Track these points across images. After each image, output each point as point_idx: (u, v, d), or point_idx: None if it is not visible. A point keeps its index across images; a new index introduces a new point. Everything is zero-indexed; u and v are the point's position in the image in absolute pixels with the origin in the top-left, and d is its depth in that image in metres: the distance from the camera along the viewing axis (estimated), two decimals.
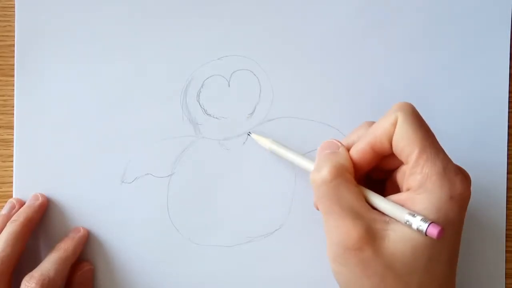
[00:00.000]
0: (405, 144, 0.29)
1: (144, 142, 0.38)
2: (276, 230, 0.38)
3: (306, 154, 0.36)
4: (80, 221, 0.38)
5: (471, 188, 0.30)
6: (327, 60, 0.38)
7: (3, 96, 0.38)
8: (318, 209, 0.32)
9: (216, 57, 0.38)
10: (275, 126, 0.38)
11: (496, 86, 0.38)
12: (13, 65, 0.38)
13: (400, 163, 0.31)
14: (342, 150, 0.31)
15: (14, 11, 0.38)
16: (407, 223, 0.28)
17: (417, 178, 0.29)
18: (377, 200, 0.30)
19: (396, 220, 0.28)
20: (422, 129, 0.29)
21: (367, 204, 0.30)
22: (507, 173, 0.38)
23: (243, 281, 0.38)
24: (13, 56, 0.38)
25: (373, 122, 0.32)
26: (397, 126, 0.29)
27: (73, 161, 0.38)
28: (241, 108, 0.38)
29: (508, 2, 0.38)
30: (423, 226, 0.27)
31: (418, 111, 0.30)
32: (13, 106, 0.38)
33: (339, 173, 0.30)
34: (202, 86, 0.38)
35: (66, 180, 0.38)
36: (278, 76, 0.38)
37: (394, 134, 0.29)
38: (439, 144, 0.30)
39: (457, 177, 0.29)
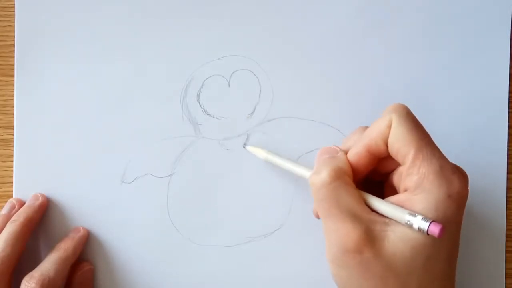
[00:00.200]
0: (401, 145, 0.29)
1: (144, 142, 0.38)
2: (276, 230, 0.38)
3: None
4: (80, 221, 0.38)
5: (471, 187, 0.30)
6: (327, 60, 0.38)
7: (3, 96, 0.38)
8: (317, 217, 0.32)
9: (216, 57, 0.38)
10: (275, 126, 0.38)
11: (496, 86, 0.38)
12: (13, 65, 0.38)
13: (397, 165, 0.31)
14: (340, 155, 0.32)
15: (14, 11, 0.38)
16: (408, 223, 0.28)
17: (414, 179, 0.29)
18: (376, 202, 0.30)
19: (395, 221, 0.29)
20: (417, 129, 0.29)
21: (366, 207, 0.30)
22: (507, 173, 0.38)
23: (243, 281, 0.38)
24: (13, 56, 0.38)
25: (367, 127, 0.32)
26: (392, 128, 0.29)
27: (73, 161, 0.38)
28: (241, 108, 0.38)
29: (508, 2, 0.38)
30: (424, 225, 0.27)
31: (418, 111, 0.30)
32: (13, 106, 0.38)
33: (338, 175, 0.30)
34: (202, 86, 0.38)
35: (66, 180, 0.38)
36: (278, 76, 0.38)
37: (389, 136, 0.30)
38: (434, 144, 0.30)
39: (454, 176, 0.29)
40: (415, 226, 0.27)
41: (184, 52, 0.38)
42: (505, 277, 0.38)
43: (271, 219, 0.38)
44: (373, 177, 0.33)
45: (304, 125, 0.38)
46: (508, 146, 0.38)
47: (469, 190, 0.29)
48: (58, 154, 0.38)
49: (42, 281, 0.33)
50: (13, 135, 0.38)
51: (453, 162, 0.30)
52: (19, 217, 0.36)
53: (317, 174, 0.30)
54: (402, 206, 0.29)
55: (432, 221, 0.27)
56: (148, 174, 0.38)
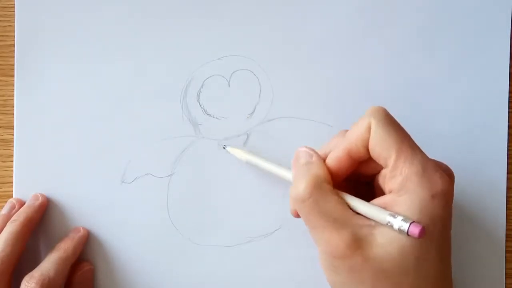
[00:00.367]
0: (382, 148, 0.29)
1: (144, 142, 0.38)
2: (276, 230, 0.38)
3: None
4: (80, 221, 0.38)
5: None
6: (327, 60, 0.38)
7: (3, 96, 0.38)
8: (296, 216, 0.32)
9: (216, 57, 0.38)
10: (275, 126, 0.38)
11: (496, 86, 0.38)
12: (13, 65, 0.38)
13: (380, 167, 0.31)
14: (315, 159, 0.31)
15: (14, 11, 0.38)
16: (389, 224, 0.28)
17: (397, 181, 0.29)
18: (358, 204, 0.30)
19: (380, 223, 0.29)
20: (396, 132, 0.29)
21: (350, 211, 0.29)
22: (507, 173, 0.38)
23: (243, 281, 0.38)
24: (13, 56, 0.38)
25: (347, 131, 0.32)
26: (371, 132, 0.29)
27: (73, 161, 0.38)
28: (241, 108, 0.38)
29: (508, 2, 0.38)
30: (404, 226, 0.27)
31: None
32: (13, 106, 0.38)
33: (316, 185, 0.30)
34: (202, 86, 0.38)
35: (66, 180, 0.38)
36: (278, 76, 0.38)
37: (370, 140, 0.30)
38: (415, 144, 0.30)
39: (437, 175, 0.28)
40: (395, 227, 0.27)
41: (184, 52, 0.38)
42: (505, 277, 0.38)
43: (271, 219, 0.38)
44: (361, 179, 0.33)
45: (304, 125, 0.38)
46: (508, 146, 0.38)
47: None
48: (58, 154, 0.38)
49: (42, 281, 0.33)
50: (13, 135, 0.38)
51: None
52: (19, 217, 0.36)
53: (295, 189, 0.30)
54: (386, 208, 0.29)
55: (412, 222, 0.27)
56: (148, 174, 0.38)
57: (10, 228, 0.35)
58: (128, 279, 0.38)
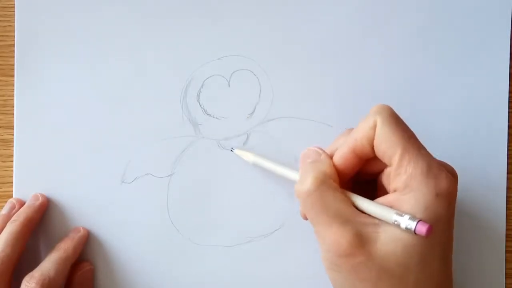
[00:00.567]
0: (387, 146, 0.29)
1: (144, 142, 0.38)
2: (276, 230, 0.38)
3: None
4: (80, 221, 0.38)
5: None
6: (327, 60, 0.38)
7: (3, 96, 0.38)
8: (305, 218, 0.32)
9: (216, 57, 0.38)
10: (275, 126, 0.38)
11: (496, 86, 0.38)
12: (13, 65, 0.38)
13: (384, 166, 0.31)
14: (323, 158, 0.32)
15: (14, 11, 0.38)
16: (395, 223, 0.28)
17: (402, 179, 0.29)
18: (364, 203, 0.30)
19: (385, 221, 0.29)
20: (402, 130, 0.29)
21: (354, 209, 0.30)
22: (507, 173, 0.38)
23: (243, 281, 0.38)
24: (13, 56, 0.38)
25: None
26: (377, 130, 0.29)
27: (73, 161, 0.38)
28: (241, 108, 0.38)
29: (508, 2, 0.38)
30: (412, 224, 0.27)
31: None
32: (13, 106, 0.38)
33: (322, 181, 0.30)
34: (202, 86, 0.38)
35: (66, 180, 0.38)
36: (278, 76, 0.38)
37: (375, 138, 0.30)
38: (420, 143, 0.30)
39: (441, 174, 0.29)
40: (403, 225, 0.27)
41: (184, 52, 0.38)
42: (505, 277, 0.38)
43: (271, 219, 0.38)
44: (364, 177, 0.33)
45: (304, 125, 0.38)
46: (508, 146, 0.38)
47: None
48: (58, 154, 0.38)
49: (42, 281, 0.33)
50: (13, 135, 0.38)
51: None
52: (19, 217, 0.36)
53: (301, 183, 0.31)
54: (391, 206, 0.29)
55: (419, 220, 0.27)
56: (148, 174, 0.38)
57: (10, 228, 0.35)
58: (128, 279, 0.38)
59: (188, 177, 0.38)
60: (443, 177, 0.29)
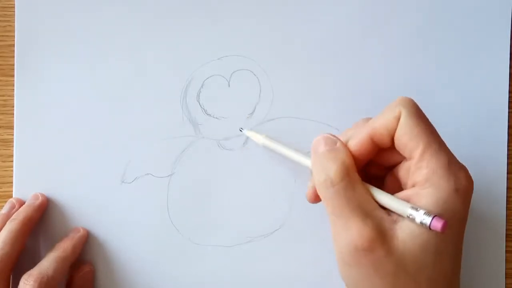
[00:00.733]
0: (409, 139, 0.29)
1: (144, 142, 0.38)
2: (276, 230, 0.38)
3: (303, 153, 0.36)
4: (80, 221, 0.38)
5: None
6: (327, 60, 0.38)
7: (3, 96, 0.38)
8: (312, 201, 0.32)
9: (216, 57, 0.38)
10: (275, 126, 0.38)
11: (496, 86, 0.38)
12: (13, 65, 0.38)
13: (400, 159, 0.31)
14: (341, 146, 0.31)
15: (14, 11, 0.38)
16: (410, 217, 0.28)
17: (423, 173, 0.29)
18: (381, 196, 0.29)
19: (402, 217, 0.28)
20: (425, 124, 0.29)
21: (374, 203, 0.29)
22: (507, 173, 0.38)
23: (243, 281, 0.38)
24: (13, 56, 0.38)
25: (370, 118, 0.31)
26: (401, 121, 0.29)
27: (73, 161, 0.38)
28: (241, 108, 0.38)
29: (508, 2, 0.38)
30: (427, 220, 0.27)
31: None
32: (13, 106, 0.38)
33: (345, 173, 0.29)
34: (202, 86, 0.38)
35: (66, 180, 0.38)
36: (278, 76, 0.38)
37: (397, 129, 0.29)
38: (442, 139, 0.30)
39: (461, 170, 0.29)
40: (417, 220, 0.27)
41: (184, 52, 0.38)
42: (505, 277, 0.38)
43: (271, 219, 0.38)
44: (375, 172, 0.33)
45: (304, 125, 0.38)
46: (508, 146, 0.38)
47: None
48: (58, 154, 0.38)
49: (40, 279, 0.33)
50: (13, 135, 0.38)
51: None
52: (19, 215, 0.36)
53: (323, 173, 0.30)
54: (408, 201, 0.29)
55: (435, 215, 0.27)
56: (148, 174, 0.38)
57: (10, 226, 0.35)
58: (128, 279, 0.38)
59: (188, 177, 0.38)
60: (463, 173, 0.29)
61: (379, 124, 0.30)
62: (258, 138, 0.36)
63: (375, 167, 0.33)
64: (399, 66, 0.38)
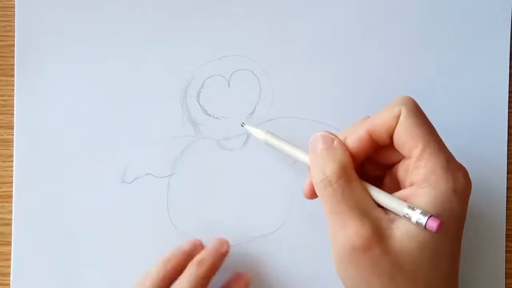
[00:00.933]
0: (408, 138, 0.29)
1: (144, 142, 0.38)
2: (276, 230, 0.38)
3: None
4: (80, 221, 0.38)
5: (472, 187, 0.30)
6: (327, 60, 0.38)
7: (3, 96, 0.38)
8: (309, 197, 0.32)
9: (216, 57, 0.38)
10: (275, 126, 0.38)
11: (496, 86, 0.38)
12: (13, 65, 0.38)
13: (399, 158, 0.31)
14: (338, 144, 0.31)
15: (14, 11, 0.38)
16: (406, 216, 0.28)
17: (421, 172, 0.29)
18: (378, 194, 0.29)
19: (399, 216, 0.28)
20: (425, 124, 0.29)
21: (372, 201, 0.29)
22: (507, 173, 0.38)
23: None
24: (13, 56, 0.38)
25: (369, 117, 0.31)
26: (400, 120, 0.29)
27: (73, 161, 0.38)
28: (241, 108, 0.38)
29: (508, 2, 0.38)
30: (423, 219, 0.27)
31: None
32: (13, 106, 0.38)
33: (342, 172, 0.30)
34: (202, 86, 0.38)
35: (66, 180, 0.38)
36: (278, 76, 0.38)
37: (397, 127, 0.29)
38: (441, 139, 0.30)
39: (459, 170, 0.29)
40: (414, 219, 0.27)
41: (184, 52, 0.38)
42: (505, 277, 0.38)
43: (271, 219, 0.38)
44: (373, 171, 0.33)
45: (304, 125, 0.38)
46: (508, 146, 0.38)
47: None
48: (58, 154, 0.38)
49: None
50: (13, 135, 0.38)
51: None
52: (206, 261, 0.35)
53: (321, 172, 0.30)
54: (406, 200, 0.29)
55: (431, 215, 0.27)
56: (148, 174, 0.38)
57: (199, 272, 0.34)
58: (128, 279, 0.38)
59: (188, 177, 0.38)
60: (461, 173, 0.29)
61: (379, 121, 0.30)
62: (259, 134, 0.36)
63: (374, 166, 0.33)
64: (399, 66, 0.38)
